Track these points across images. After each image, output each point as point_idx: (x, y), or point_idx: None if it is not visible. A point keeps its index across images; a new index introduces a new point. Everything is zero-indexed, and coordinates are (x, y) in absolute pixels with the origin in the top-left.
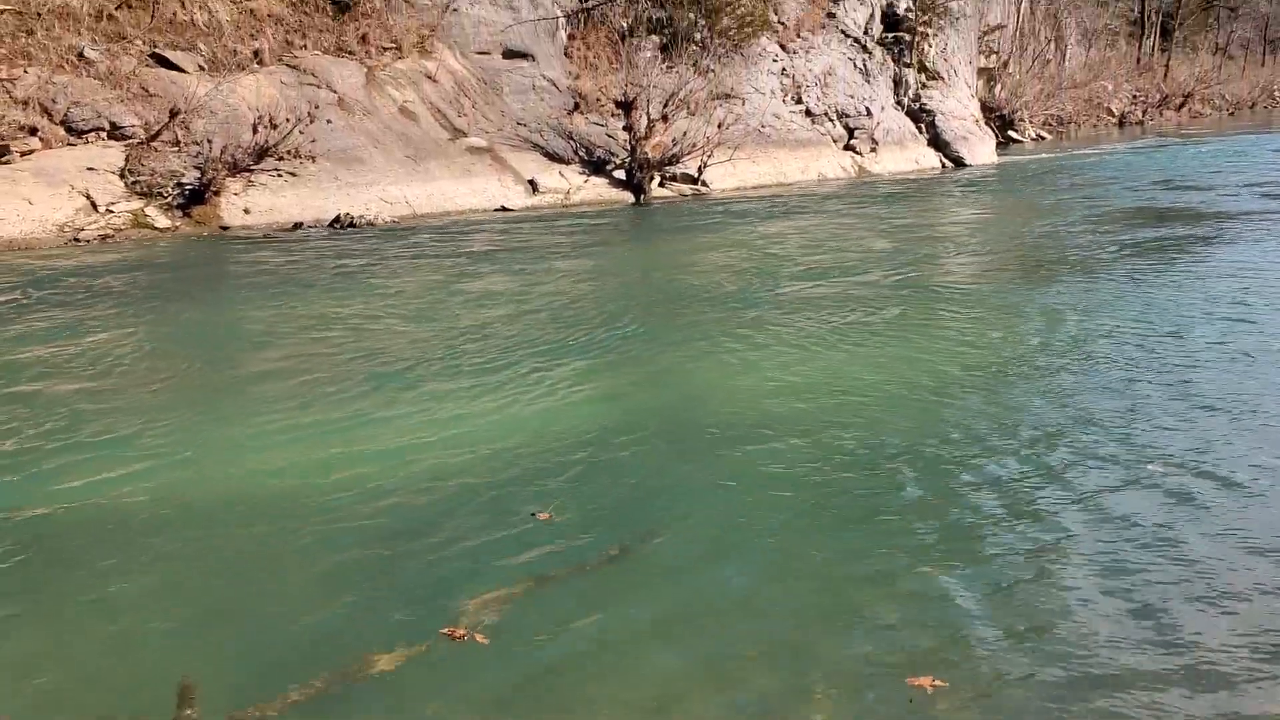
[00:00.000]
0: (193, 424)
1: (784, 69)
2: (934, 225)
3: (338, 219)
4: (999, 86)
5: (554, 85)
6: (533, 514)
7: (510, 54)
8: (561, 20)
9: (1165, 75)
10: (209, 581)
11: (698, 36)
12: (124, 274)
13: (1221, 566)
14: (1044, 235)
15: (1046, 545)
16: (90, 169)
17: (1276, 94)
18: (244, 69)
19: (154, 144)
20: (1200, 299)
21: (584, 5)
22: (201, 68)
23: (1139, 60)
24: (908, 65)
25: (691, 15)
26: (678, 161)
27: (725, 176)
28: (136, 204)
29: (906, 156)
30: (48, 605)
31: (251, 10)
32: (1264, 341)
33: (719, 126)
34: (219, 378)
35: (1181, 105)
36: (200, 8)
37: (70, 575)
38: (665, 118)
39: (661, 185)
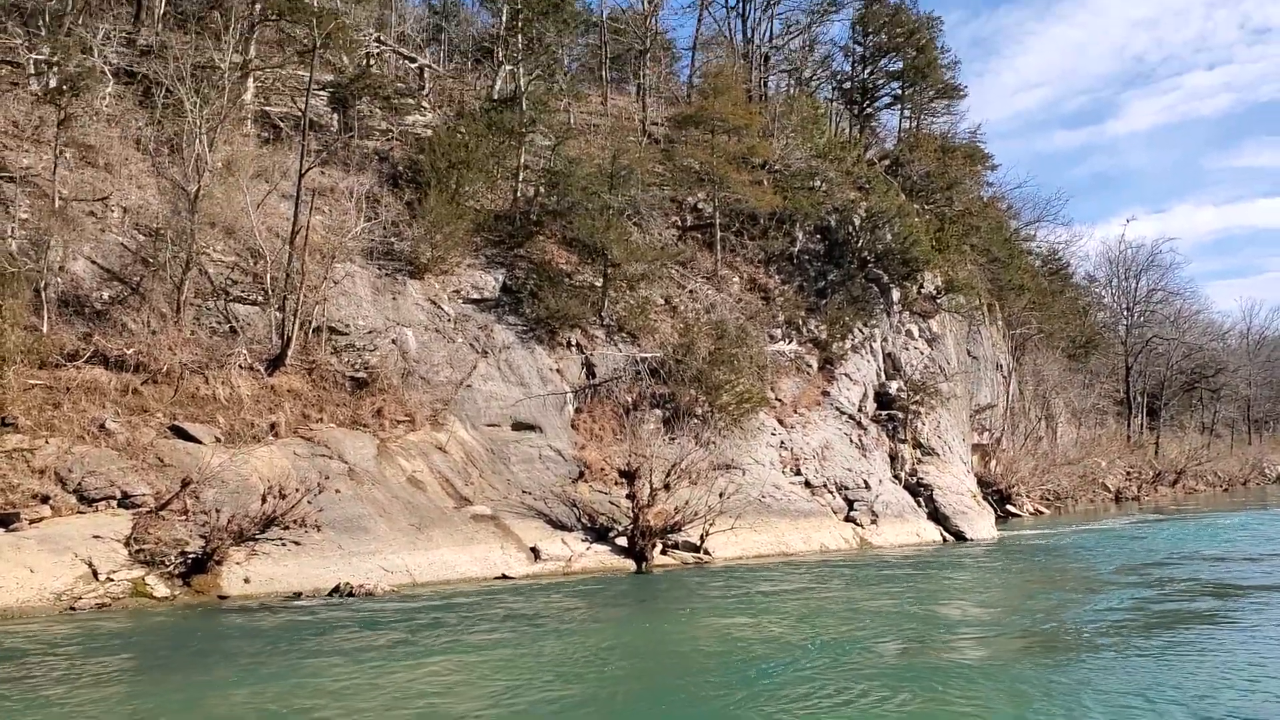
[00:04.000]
0: None
1: (782, 442)
2: (939, 600)
3: (337, 589)
4: (994, 462)
5: (560, 455)
6: None
7: (519, 426)
8: (569, 395)
9: (1156, 452)
10: None
11: (699, 411)
12: (100, 653)
13: None
14: (1049, 612)
15: None
16: (96, 536)
17: (1266, 471)
18: (259, 441)
19: (162, 513)
20: (1207, 682)
21: (591, 382)
22: (218, 439)
23: (1129, 438)
24: (902, 441)
25: (693, 392)
26: (680, 530)
27: (727, 545)
28: (138, 572)
29: (907, 529)
30: None
31: (272, 386)
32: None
33: (720, 496)
34: None
35: (1175, 481)
36: (223, 383)
37: None
38: (668, 486)
39: (664, 553)
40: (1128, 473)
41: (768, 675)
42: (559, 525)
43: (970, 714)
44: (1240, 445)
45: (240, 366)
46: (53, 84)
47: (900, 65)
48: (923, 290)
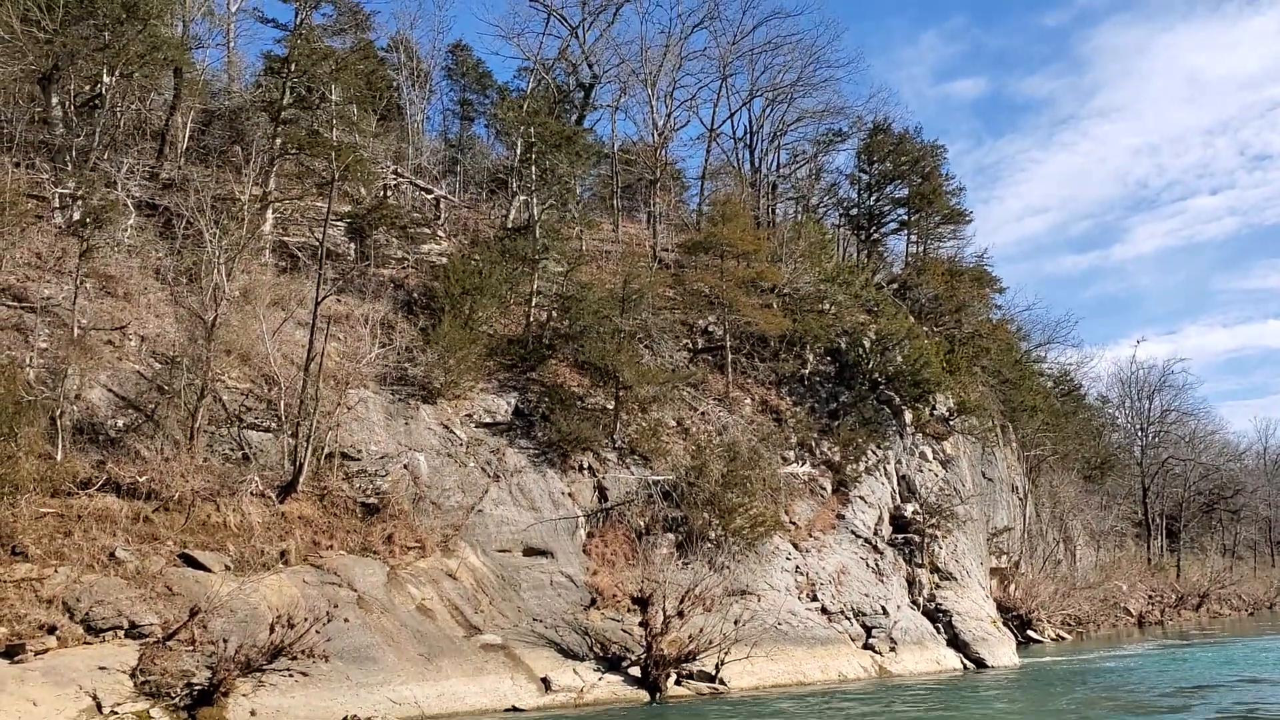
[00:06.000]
0: None
1: (797, 566)
2: None
3: None
4: (1013, 586)
5: (571, 581)
6: None
7: (530, 551)
8: (581, 519)
9: (1178, 575)
10: None
11: (712, 535)
12: None
13: None
14: None
15: None
16: (102, 668)
17: None
18: (269, 569)
19: (170, 643)
20: None
21: (603, 506)
22: (228, 567)
23: (1149, 560)
24: (919, 565)
25: (706, 515)
26: (695, 659)
27: (743, 675)
28: (143, 705)
29: (927, 656)
30: None
31: (283, 513)
32: None
33: (735, 623)
34: None
35: (1199, 605)
36: (234, 510)
37: None
38: (681, 613)
39: (678, 683)
40: (1149, 596)
41: None
42: (570, 654)
43: None
44: (1263, 567)
45: (252, 494)
46: (76, 216)
47: (906, 192)
48: (935, 412)
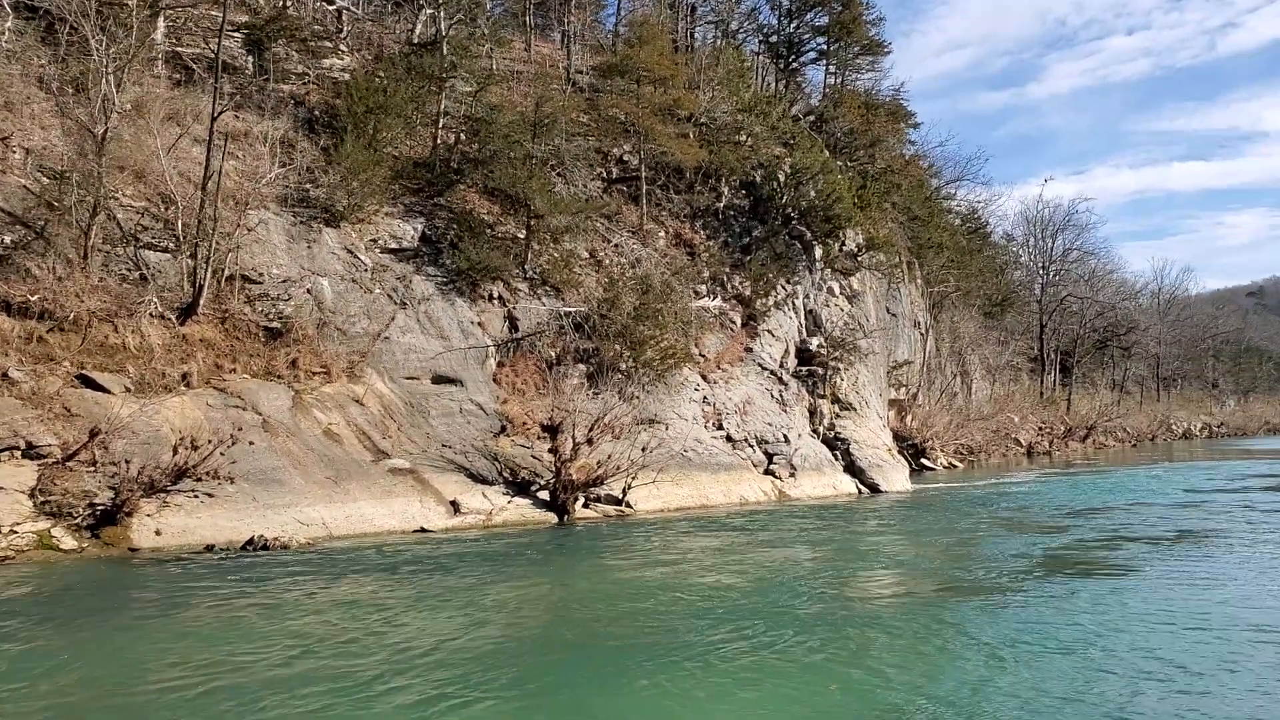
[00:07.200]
0: None
1: (705, 397)
2: (853, 549)
3: (251, 541)
4: (910, 417)
5: (481, 409)
6: None
7: (439, 379)
8: (491, 349)
9: (1068, 409)
10: None
11: (623, 366)
12: (3, 605)
13: None
14: (959, 560)
15: None
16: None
17: (1173, 427)
18: (171, 391)
19: (70, 464)
20: (1105, 623)
21: (513, 336)
22: (128, 389)
23: (1042, 394)
24: (822, 396)
25: (617, 347)
26: (602, 483)
27: (649, 498)
28: (43, 524)
29: (824, 482)
30: None
31: (184, 335)
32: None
33: (643, 450)
34: None
35: (1085, 437)
36: (133, 332)
37: None
38: (590, 441)
39: (586, 506)
40: (1040, 428)
41: (685, 623)
42: (480, 479)
43: (883, 658)
44: (1149, 402)
45: (151, 315)
46: None
47: (825, 20)
48: (844, 248)
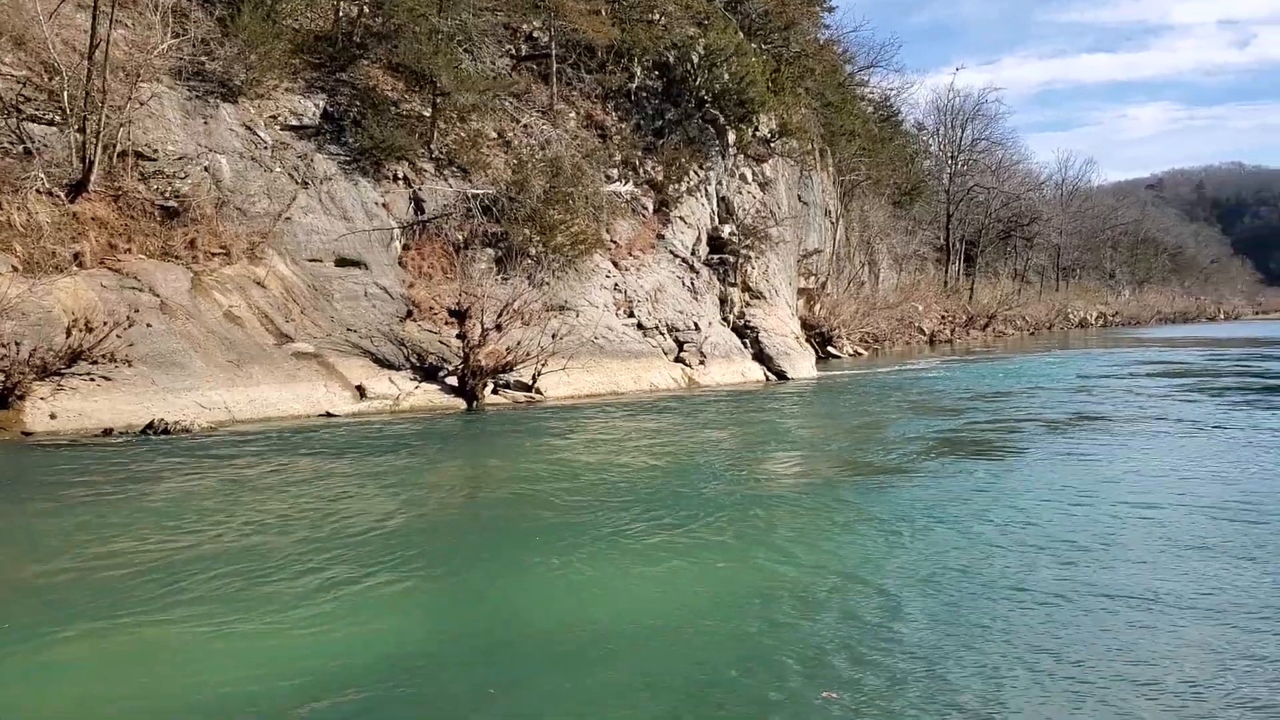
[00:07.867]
0: None
1: (616, 284)
2: (760, 433)
3: (151, 425)
4: (818, 306)
5: (386, 293)
6: None
7: (343, 262)
8: (396, 231)
9: (970, 298)
10: None
11: (532, 251)
12: None
13: None
14: (861, 443)
15: None
16: None
17: (1070, 315)
18: (62, 271)
19: None
20: (995, 498)
21: (419, 218)
22: (16, 269)
23: (946, 283)
24: (732, 285)
25: (526, 231)
26: (512, 370)
27: (559, 385)
28: None
29: (733, 369)
30: None
31: (74, 213)
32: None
33: (553, 337)
34: None
35: (986, 325)
36: (19, 209)
37: None
38: (499, 327)
39: (495, 392)
40: (943, 316)
41: (596, 503)
42: (386, 364)
43: (787, 536)
44: (1049, 291)
45: (38, 191)
46: None
47: None
48: (758, 133)
